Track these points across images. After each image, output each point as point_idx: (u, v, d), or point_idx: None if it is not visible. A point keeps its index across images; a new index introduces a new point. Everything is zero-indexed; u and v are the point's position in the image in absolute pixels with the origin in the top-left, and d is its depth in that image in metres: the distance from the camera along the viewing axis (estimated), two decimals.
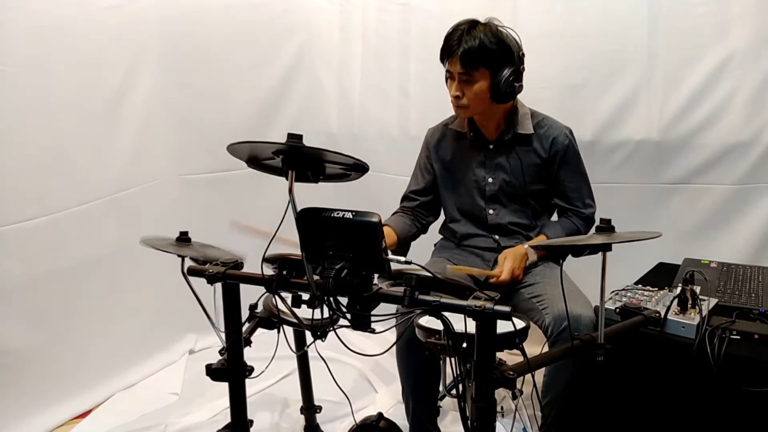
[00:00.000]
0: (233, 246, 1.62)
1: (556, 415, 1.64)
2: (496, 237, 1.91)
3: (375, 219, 1.06)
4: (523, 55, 1.74)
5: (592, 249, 1.21)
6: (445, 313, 1.10)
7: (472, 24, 1.71)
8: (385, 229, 1.92)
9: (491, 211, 1.89)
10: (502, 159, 1.85)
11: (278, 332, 1.53)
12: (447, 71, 1.75)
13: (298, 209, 1.13)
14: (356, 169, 1.26)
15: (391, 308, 1.17)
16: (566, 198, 1.88)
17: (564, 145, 1.82)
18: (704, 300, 1.50)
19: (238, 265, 1.38)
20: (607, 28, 2.27)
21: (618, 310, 1.47)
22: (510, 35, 1.72)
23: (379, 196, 2.61)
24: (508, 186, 1.86)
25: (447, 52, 1.72)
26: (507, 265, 1.71)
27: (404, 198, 2.05)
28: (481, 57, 1.67)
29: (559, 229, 1.87)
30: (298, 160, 1.21)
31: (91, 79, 2.13)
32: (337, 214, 1.08)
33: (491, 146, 1.86)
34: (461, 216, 1.95)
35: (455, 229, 1.97)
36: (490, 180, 1.87)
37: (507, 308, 1.03)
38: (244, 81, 2.67)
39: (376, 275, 1.15)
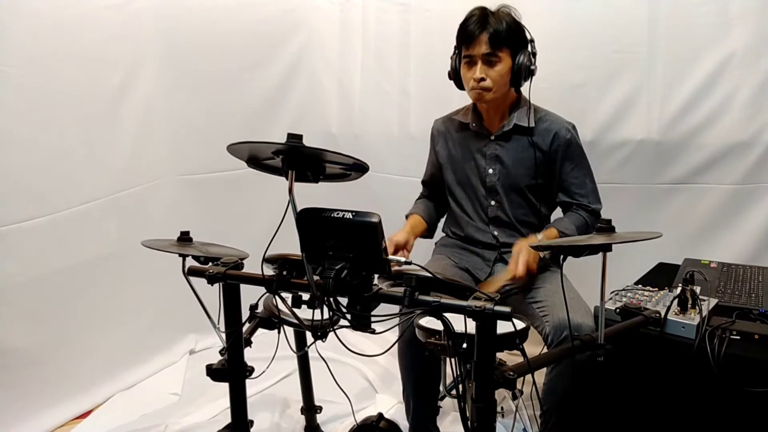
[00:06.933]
0: (232, 245, 1.63)
1: (555, 421, 1.63)
2: (495, 233, 1.91)
3: (375, 219, 1.06)
4: (534, 39, 1.78)
5: (592, 249, 1.21)
6: (446, 314, 1.10)
7: (489, 10, 1.76)
8: (415, 219, 1.98)
9: (492, 203, 1.90)
10: (502, 151, 1.86)
11: (278, 332, 1.53)
12: (465, 56, 1.77)
13: (298, 209, 1.13)
14: (356, 169, 1.26)
15: (391, 308, 1.17)
16: (571, 193, 1.87)
17: (566, 140, 1.82)
18: (704, 300, 1.51)
19: (239, 265, 1.38)
20: (607, 28, 2.27)
21: (618, 310, 1.47)
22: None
23: (379, 196, 2.61)
24: (507, 178, 1.86)
25: (468, 37, 1.74)
26: (521, 259, 1.67)
27: (425, 182, 2.13)
28: (507, 37, 1.72)
29: (568, 223, 1.84)
30: (298, 160, 1.21)
31: (91, 79, 2.13)
32: (337, 214, 1.08)
33: (492, 137, 1.87)
34: (463, 207, 1.95)
35: (456, 223, 1.99)
36: (490, 171, 1.88)
37: (507, 308, 1.03)
38: (244, 81, 2.66)
39: (376, 275, 1.15)
